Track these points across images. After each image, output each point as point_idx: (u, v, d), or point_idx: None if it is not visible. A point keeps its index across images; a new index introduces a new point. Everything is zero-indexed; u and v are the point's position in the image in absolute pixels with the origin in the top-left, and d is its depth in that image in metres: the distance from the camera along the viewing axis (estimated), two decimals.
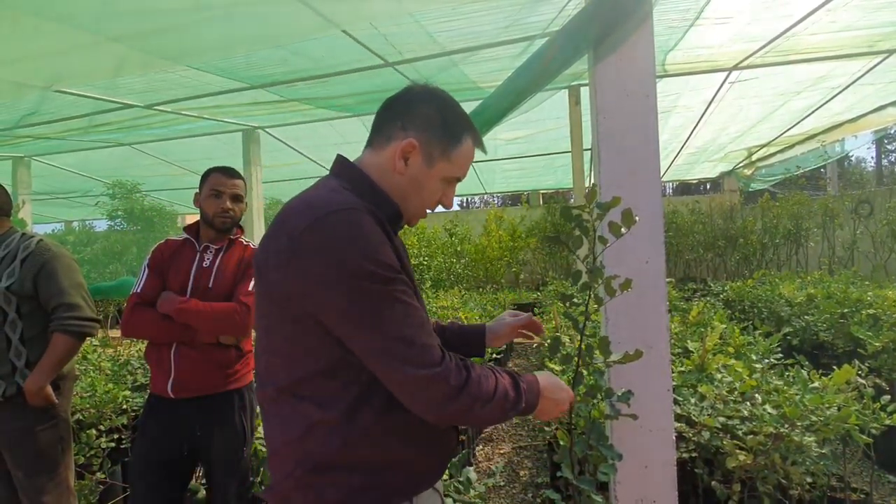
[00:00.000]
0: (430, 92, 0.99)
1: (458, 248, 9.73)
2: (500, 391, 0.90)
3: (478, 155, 1.06)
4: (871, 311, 3.54)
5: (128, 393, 2.96)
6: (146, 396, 1.89)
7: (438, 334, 1.27)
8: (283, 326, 0.88)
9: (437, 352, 0.86)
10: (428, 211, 1.04)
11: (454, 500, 1.71)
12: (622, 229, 0.97)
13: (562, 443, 1.20)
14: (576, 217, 1.05)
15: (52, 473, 1.90)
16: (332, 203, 0.86)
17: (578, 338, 1.13)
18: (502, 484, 3.07)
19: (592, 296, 1.05)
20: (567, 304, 1.08)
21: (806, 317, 4.03)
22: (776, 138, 7.45)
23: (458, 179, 1.03)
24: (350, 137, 6.56)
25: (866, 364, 2.40)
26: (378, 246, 0.84)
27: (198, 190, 1.94)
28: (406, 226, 1.06)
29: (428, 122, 0.96)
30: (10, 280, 1.82)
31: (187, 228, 1.96)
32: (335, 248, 0.82)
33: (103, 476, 2.60)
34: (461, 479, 1.77)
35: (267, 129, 6.47)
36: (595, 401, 1.23)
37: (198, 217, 1.97)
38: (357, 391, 0.87)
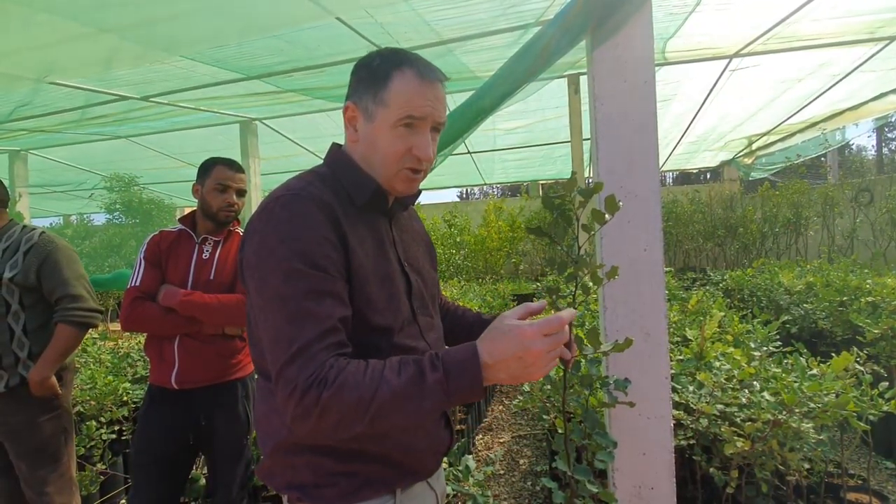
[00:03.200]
0: (366, 55, 0.94)
1: (458, 239, 9.72)
2: (385, 394, 0.73)
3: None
4: (870, 299, 3.54)
5: (128, 385, 2.97)
6: (146, 388, 1.89)
7: (452, 320, 1.20)
8: (250, 309, 0.91)
9: (305, 367, 0.75)
10: (411, 171, 0.91)
11: (453, 489, 1.71)
12: (606, 216, 0.90)
13: (560, 431, 1.20)
14: (557, 206, 0.98)
15: (55, 464, 1.92)
16: (282, 189, 0.87)
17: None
18: (502, 472, 3.09)
19: (579, 286, 0.99)
20: (554, 298, 1.05)
21: (805, 305, 4.03)
22: (776, 126, 7.41)
23: (412, 118, 0.88)
24: None
25: (865, 351, 2.40)
26: (302, 233, 0.81)
27: (196, 180, 1.92)
28: (404, 197, 0.98)
29: (358, 80, 0.92)
30: (13, 271, 1.84)
31: (182, 220, 1.94)
32: (263, 233, 0.83)
33: (104, 467, 2.61)
34: (460, 467, 1.78)
35: (264, 121, 6.43)
36: (587, 392, 1.23)
37: (193, 208, 1.95)
38: None
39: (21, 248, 1.87)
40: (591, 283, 0.96)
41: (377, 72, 0.89)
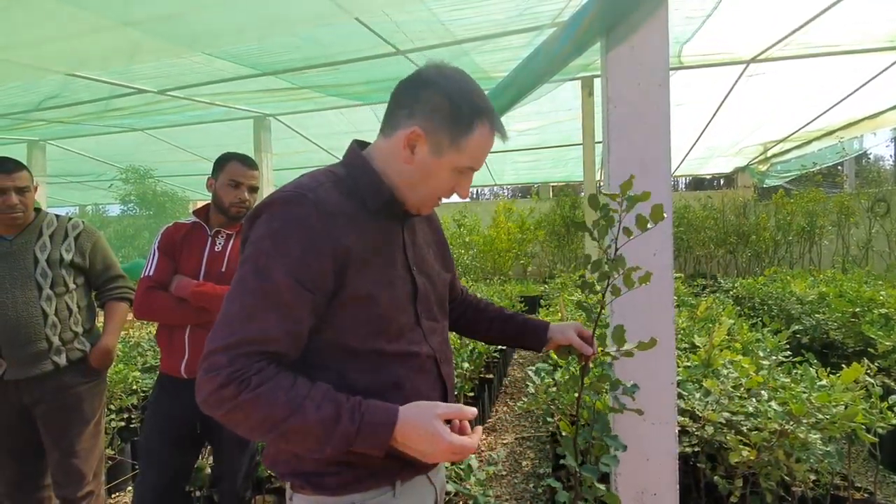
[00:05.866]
0: (441, 74, 0.91)
1: (467, 239, 9.72)
2: (295, 424, 0.77)
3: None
4: (883, 311, 3.49)
5: (138, 374, 3.02)
6: (156, 376, 1.92)
7: (475, 314, 1.25)
8: None
9: (235, 361, 0.77)
10: (439, 200, 0.98)
11: (454, 487, 1.72)
12: (649, 224, 0.96)
13: (564, 433, 1.20)
14: (603, 206, 1.02)
15: (97, 438, 2.03)
16: (291, 186, 0.88)
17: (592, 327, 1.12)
18: (504, 473, 3.09)
19: (610, 286, 1.03)
20: (586, 293, 1.07)
21: (817, 315, 3.98)
22: (793, 133, 7.33)
23: (473, 169, 0.95)
24: (361, 126, 6.55)
25: (876, 363, 2.37)
26: (291, 236, 0.82)
27: (211, 174, 1.94)
28: (418, 213, 1.00)
29: (435, 108, 0.88)
30: (70, 254, 1.98)
31: (197, 212, 1.97)
32: (261, 223, 0.85)
33: (112, 453, 2.66)
34: (462, 466, 1.78)
35: (278, 117, 6.49)
36: (601, 394, 1.23)
37: (207, 202, 1.98)
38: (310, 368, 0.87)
39: (70, 233, 2.01)
40: (622, 286, 1.00)
41: (460, 114, 0.89)
